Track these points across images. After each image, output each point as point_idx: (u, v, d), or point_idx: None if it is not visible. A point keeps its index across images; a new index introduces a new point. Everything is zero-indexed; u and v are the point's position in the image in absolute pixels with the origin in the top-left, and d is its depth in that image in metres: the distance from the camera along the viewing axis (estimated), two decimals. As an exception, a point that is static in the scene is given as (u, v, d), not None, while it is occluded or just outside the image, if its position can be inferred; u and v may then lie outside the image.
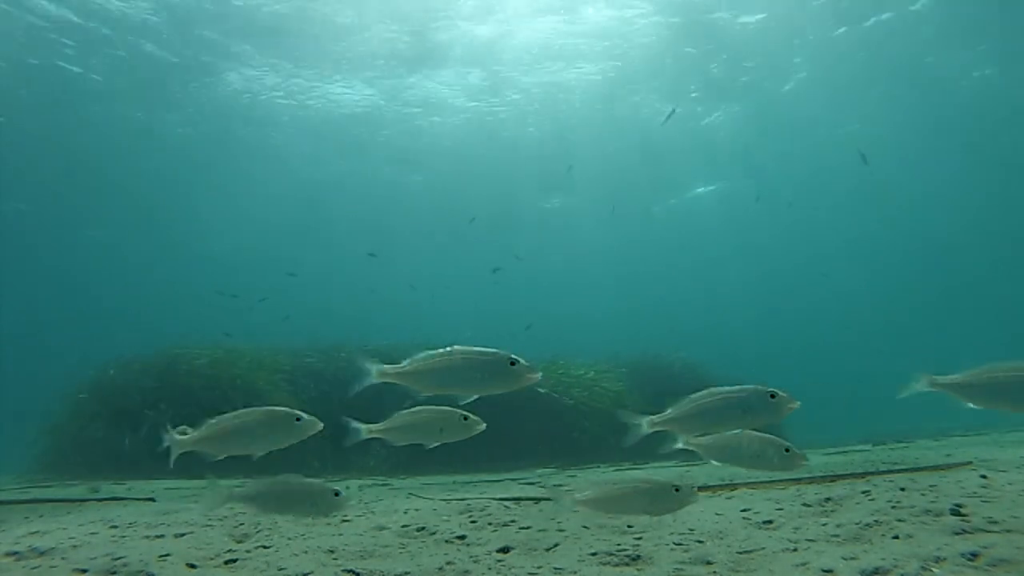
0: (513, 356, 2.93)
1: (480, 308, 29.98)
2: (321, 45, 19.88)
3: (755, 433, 3.27)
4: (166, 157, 25.40)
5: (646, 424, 3.16)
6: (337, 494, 3.13)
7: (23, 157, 23.95)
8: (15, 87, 20.43)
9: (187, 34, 19.13)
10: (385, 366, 3.07)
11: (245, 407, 3.37)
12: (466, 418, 3.25)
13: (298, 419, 3.05)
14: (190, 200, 29.05)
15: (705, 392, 3.06)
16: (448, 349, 2.98)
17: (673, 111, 19.43)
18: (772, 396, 2.93)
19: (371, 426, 3.35)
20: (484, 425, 3.26)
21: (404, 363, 3.05)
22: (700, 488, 5.90)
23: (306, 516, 3.39)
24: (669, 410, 3.12)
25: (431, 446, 3.40)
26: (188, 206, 29.50)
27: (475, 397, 3.05)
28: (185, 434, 3.14)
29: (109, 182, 26.40)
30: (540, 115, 24.66)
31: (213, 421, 3.04)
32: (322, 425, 3.10)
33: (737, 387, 3.00)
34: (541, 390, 11.60)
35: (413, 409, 3.33)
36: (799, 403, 2.94)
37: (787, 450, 3.21)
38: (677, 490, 3.09)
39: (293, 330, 15.96)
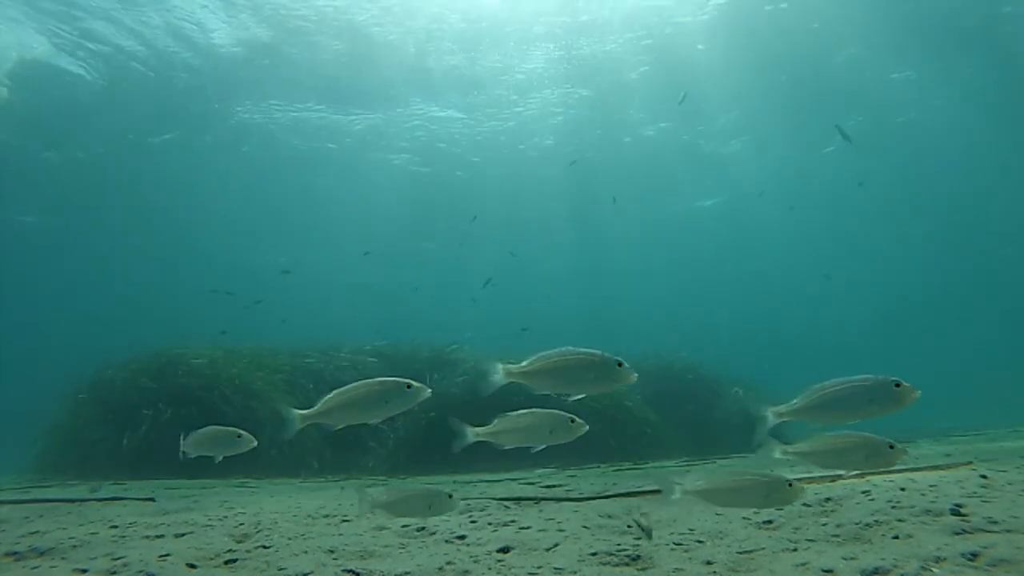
0: (618, 358, 3.06)
1: (478, 308, 29.98)
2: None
3: (854, 434, 3.26)
4: (166, 159, 25.48)
5: (772, 415, 3.14)
6: (450, 496, 3.43)
7: (24, 161, 24.07)
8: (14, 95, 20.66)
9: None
10: (510, 366, 3.17)
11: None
12: (573, 420, 3.34)
13: (408, 387, 3.18)
14: (189, 200, 29.11)
15: (829, 382, 3.05)
16: (563, 350, 3.10)
17: (685, 96, 19.34)
18: (897, 385, 2.93)
19: (478, 429, 3.45)
20: (587, 427, 3.34)
21: (524, 363, 3.15)
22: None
23: (427, 516, 3.95)
24: (795, 400, 3.11)
25: (537, 449, 3.52)
26: (186, 206, 29.56)
27: (582, 396, 3.18)
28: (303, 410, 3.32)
29: (110, 185, 26.48)
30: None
31: (331, 395, 3.21)
32: (430, 391, 3.24)
33: (860, 376, 3.00)
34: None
35: (520, 412, 3.43)
36: (920, 392, 2.94)
37: (892, 446, 3.21)
38: (790, 485, 3.11)
39: (292, 330, 15.97)
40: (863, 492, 4.86)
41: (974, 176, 28.34)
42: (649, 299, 42.29)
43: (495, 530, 4.29)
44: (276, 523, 4.78)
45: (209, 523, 4.82)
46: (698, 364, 15.18)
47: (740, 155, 27.69)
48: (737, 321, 44.53)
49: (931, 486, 4.99)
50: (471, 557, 3.53)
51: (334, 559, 3.59)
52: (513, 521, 4.58)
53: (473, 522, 4.63)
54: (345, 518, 5.00)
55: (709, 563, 3.20)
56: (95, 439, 11.00)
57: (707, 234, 35.75)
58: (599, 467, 10.32)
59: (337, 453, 11.85)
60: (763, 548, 3.40)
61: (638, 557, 3.38)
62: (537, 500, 5.66)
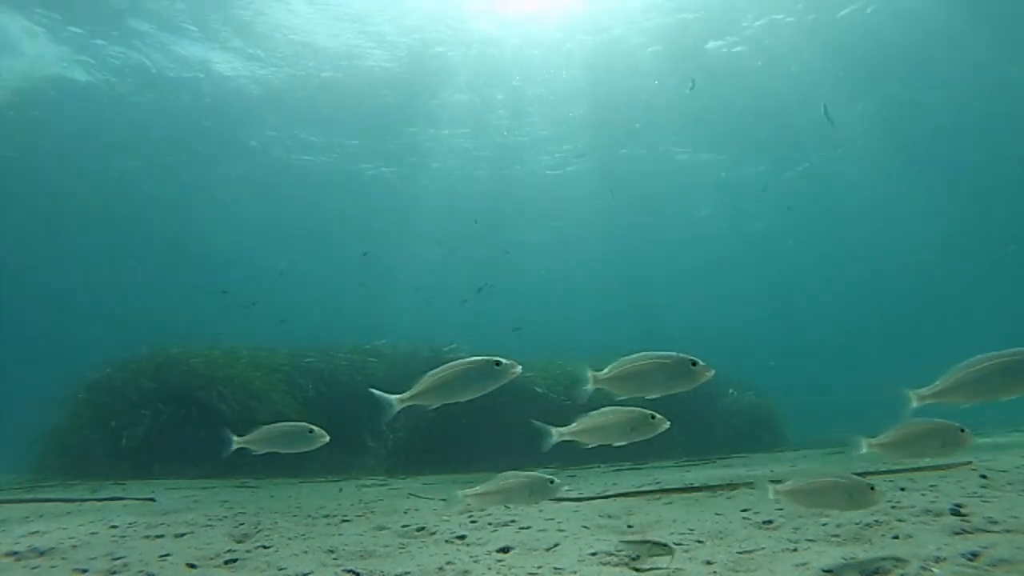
0: (694, 358, 3.15)
1: (475, 307, 30.05)
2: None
3: (927, 421, 3.25)
4: (162, 158, 25.51)
5: (915, 398, 3.13)
6: (552, 482, 3.43)
7: (23, 164, 24.15)
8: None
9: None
10: (598, 373, 3.32)
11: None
12: (654, 417, 3.39)
13: (497, 364, 3.25)
14: (187, 201, 29.14)
15: (975, 359, 3.01)
16: (642, 355, 3.21)
17: (694, 84, 19.13)
18: None
19: (562, 428, 3.49)
20: (668, 424, 3.37)
21: (607, 370, 3.28)
22: (700, 488, 5.91)
23: (529, 502, 3.87)
24: (938, 381, 3.08)
25: (618, 444, 3.51)
26: (185, 207, 29.59)
27: (658, 395, 3.28)
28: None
29: (107, 185, 26.51)
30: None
31: (425, 377, 3.36)
32: (520, 368, 3.29)
33: (1009, 351, 2.94)
34: (538, 389, 11.60)
35: (602, 410, 3.46)
36: None
37: (962, 430, 3.23)
38: (873, 489, 3.13)
39: (291, 330, 15.97)
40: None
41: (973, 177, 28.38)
42: (650, 299, 42.30)
43: (495, 530, 4.29)
44: (276, 523, 4.78)
45: (209, 523, 4.82)
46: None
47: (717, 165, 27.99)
48: (738, 321, 44.52)
49: (931, 486, 4.99)
50: (471, 557, 3.53)
51: (334, 559, 3.59)
52: (513, 521, 4.58)
53: (473, 522, 4.63)
54: (345, 518, 5.00)
55: (709, 563, 3.20)
56: (94, 439, 11.00)
57: (706, 235, 35.77)
58: (599, 467, 10.32)
59: (336, 453, 11.83)
60: (763, 548, 3.40)
61: (638, 557, 3.37)
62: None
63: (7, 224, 28.38)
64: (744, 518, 4.23)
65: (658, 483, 6.76)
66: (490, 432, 10.81)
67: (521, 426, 11.96)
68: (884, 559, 2.97)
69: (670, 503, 5.31)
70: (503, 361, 3.26)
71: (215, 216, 30.49)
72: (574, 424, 3.50)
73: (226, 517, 5.10)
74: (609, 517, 4.68)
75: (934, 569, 2.82)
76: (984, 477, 5.31)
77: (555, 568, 3.23)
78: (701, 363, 3.14)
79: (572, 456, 10.80)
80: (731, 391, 14.17)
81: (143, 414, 10.91)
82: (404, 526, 4.54)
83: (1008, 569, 2.78)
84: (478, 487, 3.50)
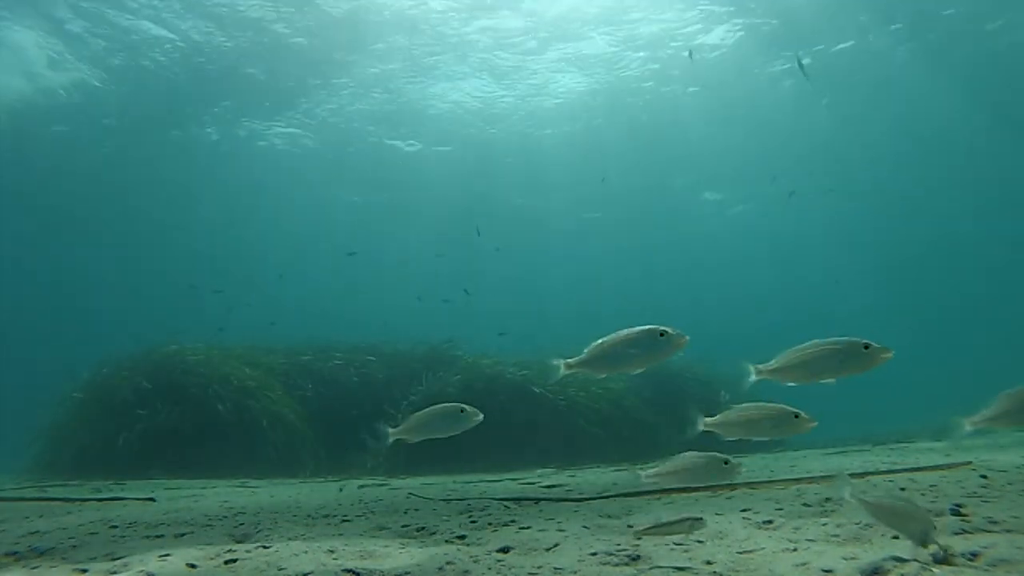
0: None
1: (473, 307, 30.08)
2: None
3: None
4: (162, 161, 25.53)
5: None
6: (727, 462, 3.43)
7: (21, 166, 24.17)
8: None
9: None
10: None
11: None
12: (797, 416, 3.42)
13: (662, 334, 3.25)
14: (185, 201, 29.16)
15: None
16: (811, 343, 3.21)
17: (800, 63, 18.43)
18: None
19: (708, 419, 3.56)
20: (815, 423, 3.40)
21: (773, 362, 3.29)
22: (699, 488, 5.90)
23: (706, 482, 3.92)
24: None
25: (757, 439, 3.59)
26: (182, 207, 29.61)
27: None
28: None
29: (105, 185, 26.50)
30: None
31: (591, 346, 3.34)
32: (687, 338, 3.30)
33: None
34: (535, 389, 11.59)
35: (747, 405, 3.51)
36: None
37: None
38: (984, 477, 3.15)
39: (291, 330, 15.95)
40: (863, 492, 4.86)
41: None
42: (650, 298, 42.28)
43: (495, 530, 4.29)
44: (276, 523, 4.78)
45: (209, 523, 4.82)
46: (695, 364, 15.17)
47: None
48: (736, 320, 44.49)
49: (931, 486, 5.00)
50: (471, 557, 3.53)
51: (334, 559, 3.58)
52: (513, 521, 4.58)
53: (473, 522, 4.63)
54: (345, 518, 4.99)
55: (709, 563, 3.20)
56: (93, 439, 11.00)
57: (706, 235, 35.77)
58: (599, 467, 10.32)
59: (336, 453, 11.85)
60: (763, 548, 3.40)
61: (638, 557, 3.37)
62: (537, 500, 5.66)
63: (7, 224, 28.38)
64: (744, 518, 4.23)
65: (657, 483, 6.74)
66: (489, 432, 10.79)
67: (521, 427, 12.01)
68: (884, 559, 2.97)
69: (670, 503, 5.31)
70: (668, 331, 3.27)
71: (215, 215, 30.51)
72: (719, 416, 3.56)
73: (226, 517, 5.10)
74: (609, 517, 4.68)
75: (934, 569, 2.82)
76: (984, 477, 5.32)
77: (555, 568, 3.23)
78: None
79: (572, 456, 10.82)
80: (723, 393, 14.17)
81: (140, 413, 10.91)
82: (404, 526, 4.54)
83: (1008, 569, 2.78)
84: (657, 467, 3.50)
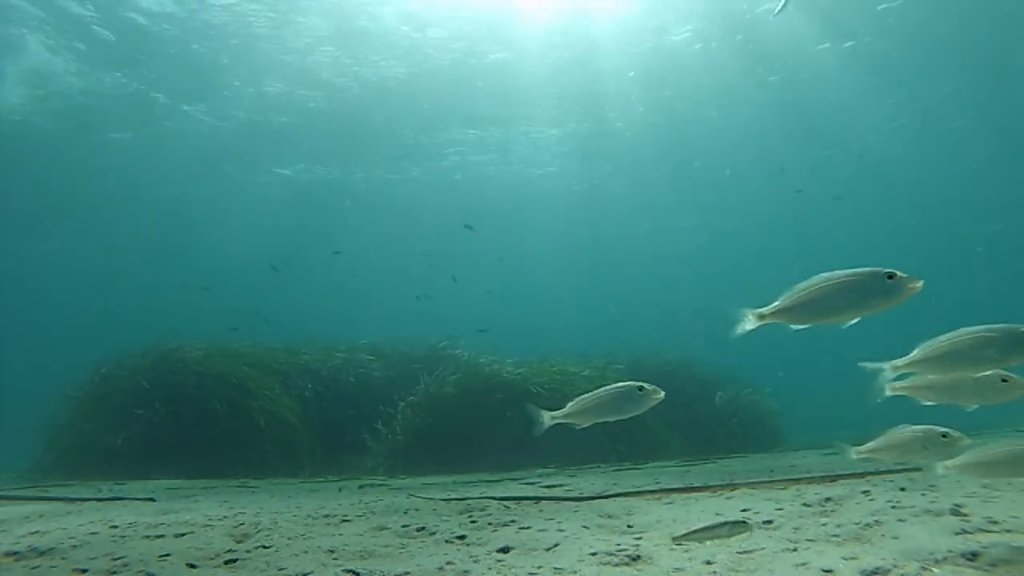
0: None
1: (470, 307, 30.08)
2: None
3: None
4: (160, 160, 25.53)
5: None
6: (945, 435, 3.23)
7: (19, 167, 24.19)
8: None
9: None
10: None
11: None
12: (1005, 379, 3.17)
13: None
14: (184, 201, 29.18)
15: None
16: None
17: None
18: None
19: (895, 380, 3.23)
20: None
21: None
22: (699, 488, 5.91)
23: (923, 457, 3.48)
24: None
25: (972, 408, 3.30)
26: (182, 208, 29.64)
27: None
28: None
29: (103, 185, 26.54)
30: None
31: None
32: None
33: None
34: (533, 389, 11.60)
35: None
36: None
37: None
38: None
39: (291, 330, 15.97)
40: (863, 492, 4.87)
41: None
42: (647, 299, 42.27)
43: (495, 530, 4.29)
44: (276, 523, 4.78)
45: (209, 523, 4.81)
46: (695, 364, 15.18)
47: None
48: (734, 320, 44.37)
49: (931, 486, 5.00)
50: (471, 557, 3.53)
51: (334, 559, 3.59)
52: (513, 521, 4.58)
53: (473, 522, 4.63)
54: (345, 518, 4.99)
55: (709, 563, 3.20)
56: (93, 439, 11.00)
57: (704, 236, 35.78)
58: (599, 467, 10.32)
59: (336, 454, 11.85)
60: (763, 548, 3.40)
61: (638, 557, 3.38)
62: (537, 500, 5.66)
63: (7, 224, 28.39)
64: (744, 518, 4.23)
65: (658, 483, 6.75)
66: (489, 432, 10.81)
67: (519, 425, 11.95)
68: (884, 559, 2.97)
69: (670, 503, 5.31)
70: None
71: (215, 213, 30.52)
72: (909, 380, 3.24)
73: (226, 517, 5.10)
74: (609, 517, 4.68)
75: (934, 569, 2.82)
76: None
77: (555, 568, 3.23)
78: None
79: (572, 456, 10.82)
80: (718, 394, 14.18)
81: (139, 413, 10.91)
82: (404, 526, 4.53)
83: (1008, 569, 2.79)
84: (871, 443, 3.37)
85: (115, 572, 3.33)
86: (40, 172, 25.22)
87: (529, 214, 32.20)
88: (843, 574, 2.87)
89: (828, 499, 4.68)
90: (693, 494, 5.66)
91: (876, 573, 2.83)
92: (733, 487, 5.83)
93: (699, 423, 13.37)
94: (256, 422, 11.22)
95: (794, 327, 2.85)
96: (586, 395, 3.49)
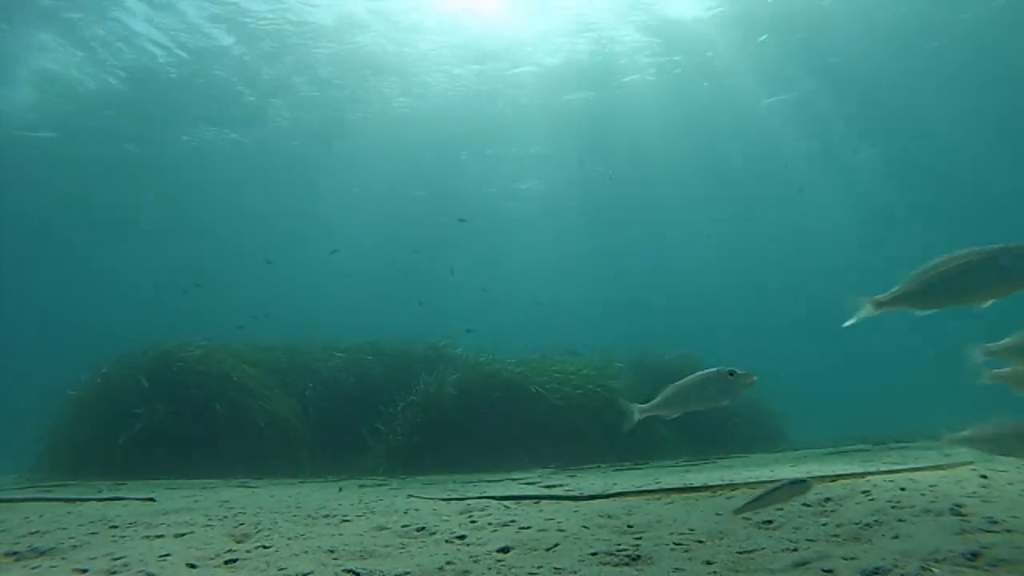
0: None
1: (467, 306, 30.07)
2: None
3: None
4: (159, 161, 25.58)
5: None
6: None
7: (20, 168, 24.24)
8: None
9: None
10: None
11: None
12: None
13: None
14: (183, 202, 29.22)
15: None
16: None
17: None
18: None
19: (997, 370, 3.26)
20: None
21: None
22: (700, 488, 5.91)
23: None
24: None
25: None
26: (180, 209, 29.69)
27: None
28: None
29: (103, 185, 26.56)
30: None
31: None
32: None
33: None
34: (533, 389, 11.60)
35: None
36: None
37: None
38: None
39: (290, 329, 15.97)
40: (863, 492, 4.86)
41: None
42: (649, 298, 42.28)
43: (495, 530, 4.29)
44: (276, 523, 4.78)
45: (209, 523, 4.81)
46: (694, 362, 15.16)
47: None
48: (734, 319, 44.47)
49: (931, 486, 5.00)
50: (471, 557, 3.53)
51: (334, 559, 3.58)
52: (513, 521, 4.58)
53: (473, 522, 4.62)
54: (345, 518, 4.99)
55: (709, 563, 3.20)
56: (93, 439, 11.00)
57: (705, 234, 35.77)
58: (599, 467, 10.32)
59: (336, 453, 11.85)
60: (763, 548, 3.40)
61: (638, 557, 3.38)
62: (537, 500, 5.66)
63: (7, 224, 28.41)
64: (744, 518, 4.23)
65: (658, 483, 6.75)
66: (489, 432, 10.81)
67: (521, 427, 12.00)
68: (884, 559, 2.97)
69: (670, 503, 5.31)
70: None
71: (214, 213, 30.54)
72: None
73: (226, 517, 5.10)
74: (609, 517, 4.67)
75: (934, 569, 2.82)
76: (984, 477, 5.32)
77: (555, 568, 3.23)
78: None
79: (572, 456, 10.82)
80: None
81: (139, 413, 10.92)
82: (404, 526, 4.53)
83: (1008, 569, 2.78)
84: (966, 432, 3.35)
85: (115, 572, 3.32)
86: (52, 175, 25.30)
87: (529, 214, 32.22)
88: (843, 574, 2.87)
89: (828, 499, 4.68)
90: (693, 494, 5.66)
91: (876, 573, 2.83)
92: (733, 487, 5.82)
93: (699, 423, 13.36)
94: (256, 422, 11.23)
95: (919, 313, 2.80)
96: (673, 385, 3.33)
